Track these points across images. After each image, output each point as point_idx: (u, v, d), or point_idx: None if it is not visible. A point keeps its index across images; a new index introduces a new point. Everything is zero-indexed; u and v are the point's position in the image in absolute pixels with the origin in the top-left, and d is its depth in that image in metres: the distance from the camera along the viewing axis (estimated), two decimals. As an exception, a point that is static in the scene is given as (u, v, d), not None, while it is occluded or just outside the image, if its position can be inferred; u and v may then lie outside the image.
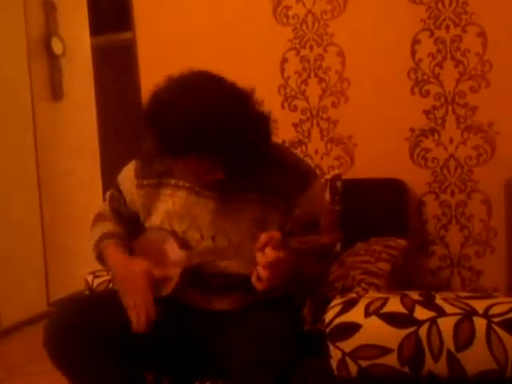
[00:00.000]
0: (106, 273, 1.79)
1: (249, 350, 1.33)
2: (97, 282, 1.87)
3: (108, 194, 1.72)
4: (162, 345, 1.54)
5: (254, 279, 1.32)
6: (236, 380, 1.38)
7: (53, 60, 3.75)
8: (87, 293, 1.89)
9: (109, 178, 1.97)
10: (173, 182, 1.57)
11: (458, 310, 1.20)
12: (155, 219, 1.57)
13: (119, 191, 1.68)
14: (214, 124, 1.32)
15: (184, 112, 1.33)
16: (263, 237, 1.31)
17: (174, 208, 1.54)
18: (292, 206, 1.49)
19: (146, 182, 1.60)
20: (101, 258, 1.63)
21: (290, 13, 2.37)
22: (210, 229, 1.52)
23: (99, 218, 1.71)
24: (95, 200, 3.63)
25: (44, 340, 1.44)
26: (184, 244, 1.51)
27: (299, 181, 1.52)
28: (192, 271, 1.51)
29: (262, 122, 1.43)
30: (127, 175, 1.66)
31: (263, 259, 1.29)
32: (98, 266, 1.88)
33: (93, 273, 1.91)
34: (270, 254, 1.29)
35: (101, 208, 1.73)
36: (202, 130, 1.32)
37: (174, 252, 1.51)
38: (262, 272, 1.29)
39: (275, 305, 1.50)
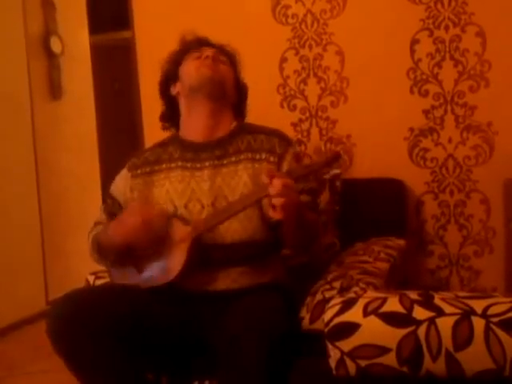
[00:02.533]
0: (107, 274, 1.78)
1: (235, 326, 1.34)
2: (98, 283, 1.86)
3: (102, 206, 1.79)
4: (162, 340, 1.55)
5: (270, 212, 1.39)
6: (221, 356, 1.37)
7: (52, 59, 3.75)
8: (87, 286, 1.88)
9: (107, 177, 1.99)
10: (164, 166, 1.68)
11: (457, 310, 1.20)
12: (156, 204, 1.63)
13: (112, 198, 1.75)
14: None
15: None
16: (267, 170, 1.42)
17: (172, 186, 1.63)
18: (281, 159, 1.61)
19: (139, 171, 1.71)
20: (99, 248, 1.67)
21: (289, 12, 2.37)
22: (208, 196, 1.59)
23: (95, 226, 1.76)
24: (94, 199, 3.63)
25: (47, 332, 1.44)
26: (187, 222, 1.57)
27: (282, 140, 1.67)
28: (198, 246, 1.54)
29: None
30: (119, 178, 1.76)
31: (274, 189, 1.36)
32: (97, 266, 1.88)
33: (94, 273, 1.89)
34: (278, 182, 1.36)
35: (96, 218, 1.79)
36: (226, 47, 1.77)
37: (179, 231, 1.55)
38: (277, 200, 1.36)
39: (273, 300, 1.51)
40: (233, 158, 1.63)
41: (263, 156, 1.62)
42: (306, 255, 1.69)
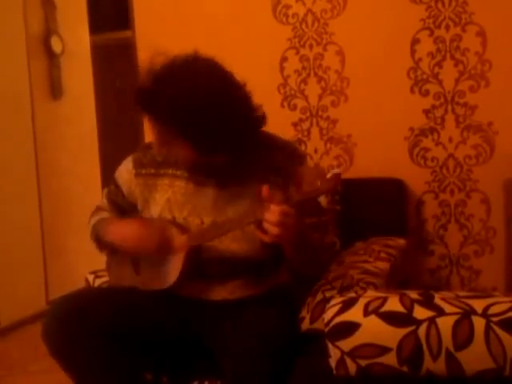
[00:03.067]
0: (106, 273, 1.78)
1: (241, 359, 1.34)
2: (98, 282, 1.86)
3: (105, 190, 1.75)
4: (161, 340, 1.55)
5: (260, 234, 1.36)
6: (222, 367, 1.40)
7: (52, 58, 3.75)
8: (84, 288, 1.88)
9: (108, 177, 1.98)
10: (170, 172, 1.61)
11: (457, 310, 1.20)
12: (154, 209, 1.60)
13: (116, 185, 1.70)
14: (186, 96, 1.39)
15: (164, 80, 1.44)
16: (264, 190, 1.36)
17: (174, 197, 1.58)
18: (288, 179, 1.51)
19: (144, 172, 1.64)
20: (98, 240, 1.66)
21: (290, 12, 2.37)
22: (210, 214, 1.55)
23: (96, 210, 1.74)
24: (94, 198, 3.60)
25: (42, 335, 1.44)
26: (184, 230, 1.54)
27: (291, 158, 1.56)
28: (194, 256, 1.52)
29: (239, 110, 1.44)
30: (125, 168, 1.69)
31: (270, 215, 1.32)
32: (98, 265, 1.88)
33: (94, 272, 1.89)
34: (275, 209, 1.32)
35: (98, 203, 1.76)
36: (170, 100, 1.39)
37: (176, 239, 1.53)
38: (270, 228, 1.32)
39: (274, 303, 1.51)
40: (239, 178, 1.56)
41: (271, 178, 1.53)
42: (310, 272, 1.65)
